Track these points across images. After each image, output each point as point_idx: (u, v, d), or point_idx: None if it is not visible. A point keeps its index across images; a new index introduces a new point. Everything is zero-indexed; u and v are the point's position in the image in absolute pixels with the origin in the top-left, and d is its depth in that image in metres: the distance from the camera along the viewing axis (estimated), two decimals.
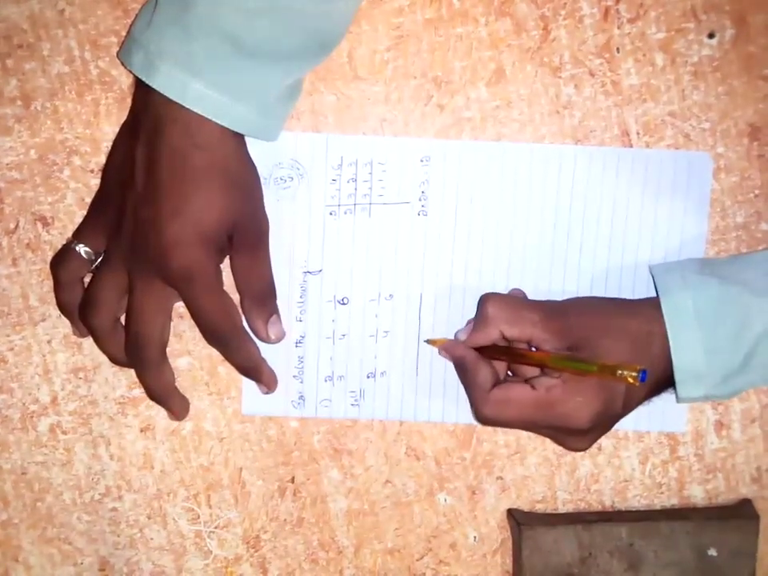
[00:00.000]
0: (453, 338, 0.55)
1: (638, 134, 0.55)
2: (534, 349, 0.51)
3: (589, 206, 0.55)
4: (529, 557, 0.55)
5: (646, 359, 0.49)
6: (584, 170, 0.55)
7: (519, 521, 0.56)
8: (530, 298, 0.55)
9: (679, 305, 0.50)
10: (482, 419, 0.51)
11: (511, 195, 0.55)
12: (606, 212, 0.55)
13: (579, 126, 0.55)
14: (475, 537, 0.58)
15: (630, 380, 0.46)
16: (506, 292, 0.55)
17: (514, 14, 0.54)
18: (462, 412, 0.56)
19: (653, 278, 0.53)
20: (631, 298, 0.55)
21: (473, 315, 0.54)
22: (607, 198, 0.55)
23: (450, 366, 0.55)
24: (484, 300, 0.52)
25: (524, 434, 0.57)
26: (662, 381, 0.50)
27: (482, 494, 0.58)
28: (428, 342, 0.56)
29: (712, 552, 0.55)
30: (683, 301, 0.50)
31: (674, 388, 0.51)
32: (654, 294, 0.52)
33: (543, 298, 0.55)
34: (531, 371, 0.52)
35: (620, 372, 0.46)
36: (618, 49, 0.54)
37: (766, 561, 0.56)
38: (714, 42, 0.54)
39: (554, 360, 0.49)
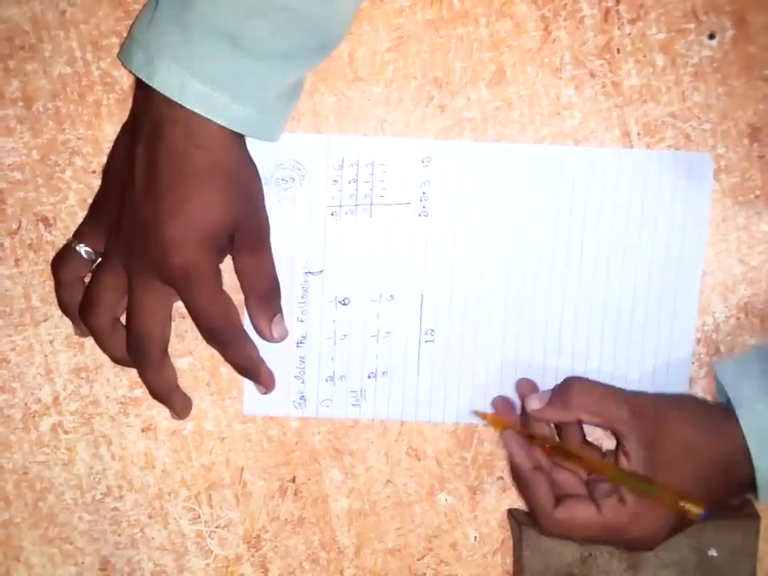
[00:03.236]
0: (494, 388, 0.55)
1: (638, 134, 0.55)
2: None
3: (589, 206, 0.55)
4: (529, 557, 0.55)
5: (728, 477, 0.51)
6: (584, 171, 0.55)
7: (520, 521, 0.56)
8: (531, 297, 0.55)
9: (756, 420, 0.51)
10: (546, 534, 0.53)
11: (512, 196, 0.55)
12: (607, 213, 0.55)
13: (580, 127, 0.55)
14: (476, 537, 0.58)
15: (691, 516, 0.48)
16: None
17: (514, 15, 0.54)
18: (463, 412, 0.56)
19: (717, 379, 0.54)
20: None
21: (473, 315, 0.54)
22: (608, 199, 0.55)
23: (451, 366, 0.55)
24: (569, 385, 0.52)
25: None
26: (742, 486, 0.52)
27: (482, 494, 0.58)
28: (476, 414, 0.56)
29: (712, 552, 0.55)
30: (759, 415, 0.51)
31: (754, 491, 0.52)
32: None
33: (543, 297, 0.55)
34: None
35: (683, 504, 0.48)
36: (618, 50, 0.54)
37: (767, 561, 0.56)
38: (714, 42, 0.54)
39: (616, 476, 0.50)
